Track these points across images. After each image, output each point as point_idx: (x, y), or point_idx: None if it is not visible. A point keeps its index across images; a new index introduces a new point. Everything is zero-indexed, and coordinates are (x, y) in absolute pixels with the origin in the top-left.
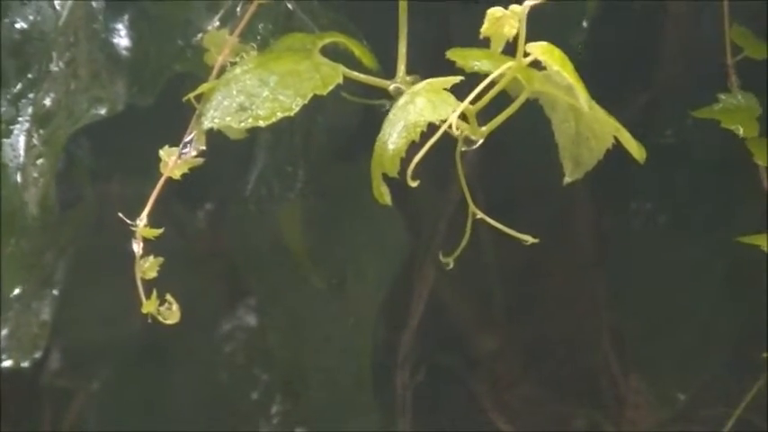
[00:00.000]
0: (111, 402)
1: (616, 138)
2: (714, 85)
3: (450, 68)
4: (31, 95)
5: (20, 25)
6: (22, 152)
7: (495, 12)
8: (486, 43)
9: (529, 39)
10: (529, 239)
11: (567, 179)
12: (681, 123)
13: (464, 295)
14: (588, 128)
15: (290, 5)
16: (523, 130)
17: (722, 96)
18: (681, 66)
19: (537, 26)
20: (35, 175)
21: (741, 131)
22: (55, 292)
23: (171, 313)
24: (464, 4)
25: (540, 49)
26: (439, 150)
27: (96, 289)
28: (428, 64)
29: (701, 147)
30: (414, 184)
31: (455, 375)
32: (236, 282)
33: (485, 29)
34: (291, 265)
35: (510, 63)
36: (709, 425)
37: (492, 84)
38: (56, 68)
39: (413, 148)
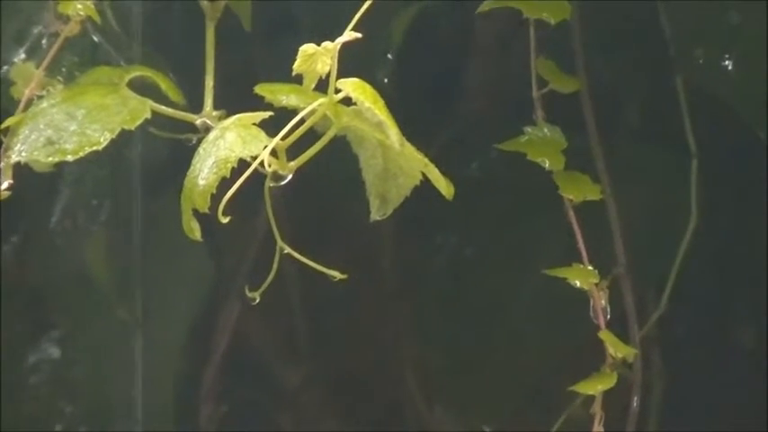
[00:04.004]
0: None
1: (423, 173)
2: (521, 118)
3: (257, 103)
4: None
5: None
6: None
7: (307, 48)
8: (292, 77)
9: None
10: (336, 275)
11: (374, 216)
12: (486, 156)
13: (269, 329)
14: (396, 164)
15: (95, 38)
16: (332, 165)
17: (528, 129)
18: (487, 98)
19: (342, 58)
20: None
21: (547, 164)
22: None
23: None
24: (269, 39)
25: (351, 86)
26: (246, 183)
27: None
28: (234, 98)
29: (507, 180)
30: (225, 220)
31: (260, 408)
32: (41, 314)
33: (297, 66)
34: (96, 297)
35: (321, 99)
36: None
37: (302, 120)
38: None
39: (222, 181)
